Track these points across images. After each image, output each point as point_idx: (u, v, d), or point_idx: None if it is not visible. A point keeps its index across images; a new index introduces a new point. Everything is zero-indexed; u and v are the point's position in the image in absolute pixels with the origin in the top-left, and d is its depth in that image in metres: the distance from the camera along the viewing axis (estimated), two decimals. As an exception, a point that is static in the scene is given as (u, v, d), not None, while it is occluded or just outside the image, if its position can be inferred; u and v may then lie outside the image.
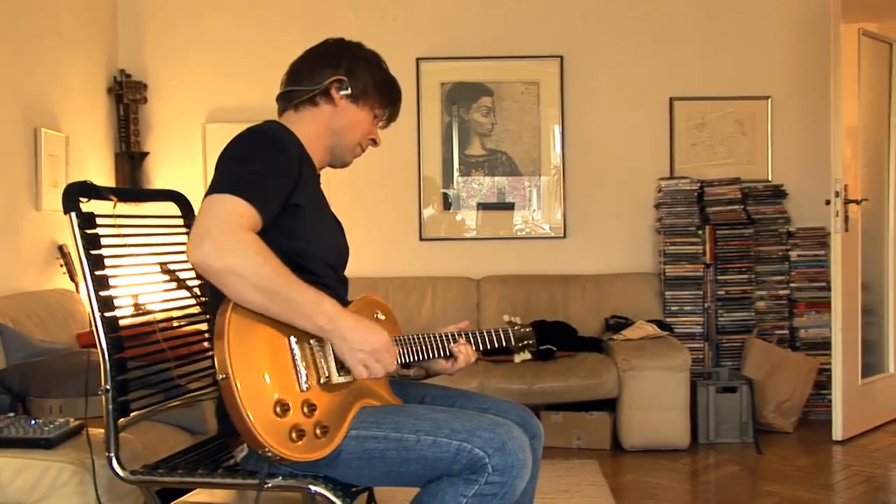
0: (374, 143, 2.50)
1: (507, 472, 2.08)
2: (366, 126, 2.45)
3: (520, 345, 2.62)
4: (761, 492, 4.30)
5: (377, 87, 2.43)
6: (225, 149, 2.23)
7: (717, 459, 4.92)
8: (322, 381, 2.16)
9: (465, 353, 2.46)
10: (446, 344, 2.46)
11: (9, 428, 2.88)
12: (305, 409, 2.10)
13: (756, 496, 4.24)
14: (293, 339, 2.15)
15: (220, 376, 2.05)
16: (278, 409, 2.06)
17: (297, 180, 2.24)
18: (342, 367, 2.19)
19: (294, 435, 2.06)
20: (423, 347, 2.41)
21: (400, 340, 2.36)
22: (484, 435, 2.10)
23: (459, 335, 2.48)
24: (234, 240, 2.04)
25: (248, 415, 2.02)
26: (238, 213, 2.07)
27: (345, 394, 2.21)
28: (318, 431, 2.10)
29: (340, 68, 2.39)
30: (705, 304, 5.78)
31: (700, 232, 5.78)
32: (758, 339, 5.65)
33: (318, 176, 2.49)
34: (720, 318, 5.78)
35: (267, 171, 2.19)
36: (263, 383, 2.08)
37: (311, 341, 2.18)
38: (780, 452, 5.00)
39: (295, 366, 2.14)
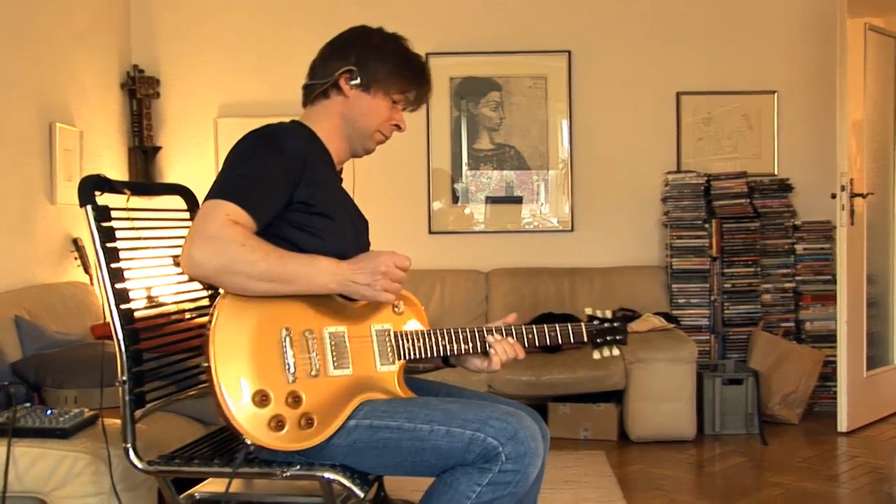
0: (399, 128, 2.49)
1: (520, 460, 2.09)
2: (383, 113, 2.43)
3: (599, 341, 2.44)
4: (767, 483, 4.30)
5: (392, 74, 2.41)
6: (229, 152, 2.27)
7: (723, 451, 4.92)
8: (313, 373, 2.17)
9: (501, 350, 2.37)
10: (480, 341, 2.38)
11: (25, 418, 2.91)
12: (290, 400, 2.12)
13: (761, 487, 4.25)
14: (284, 332, 2.16)
15: (203, 364, 2.10)
16: (257, 399, 2.09)
17: (297, 180, 2.26)
18: (338, 361, 2.20)
19: (273, 424, 2.08)
20: (454, 342, 2.35)
21: (427, 335, 2.34)
22: (497, 424, 2.11)
23: (498, 330, 2.39)
24: (218, 242, 2.08)
25: (225, 404, 2.06)
26: (225, 213, 2.11)
27: (342, 387, 2.21)
28: (302, 422, 2.11)
29: (350, 59, 2.40)
30: (711, 297, 5.78)
31: (706, 225, 5.78)
32: (763, 332, 5.64)
33: (338, 169, 2.50)
34: (726, 311, 5.78)
35: (261, 175, 2.21)
36: (245, 372, 2.10)
37: (306, 334, 2.18)
38: (786, 444, 5.00)
39: (283, 356, 2.15)
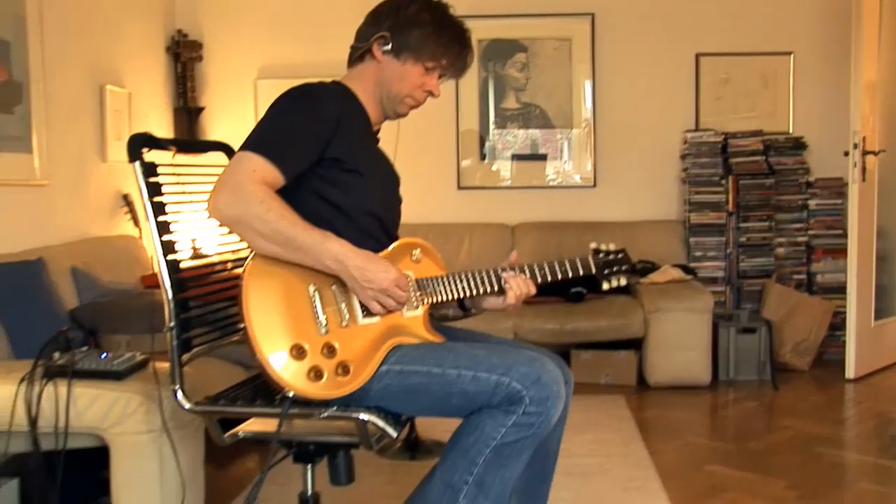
0: (431, 94, 2.44)
1: (542, 403, 2.08)
2: (414, 79, 2.39)
3: (606, 272, 2.45)
4: (777, 426, 4.30)
5: (423, 42, 2.36)
6: (267, 108, 2.25)
7: (736, 396, 4.92)
8: (344, 324, 2.17)
9: (515, 285, 2.35)
10: (495, 279, 2.36)
11: (83, 361, 2.94)
12: (325, 351, 2.12)
13: (772, 430, 4.24)
14: (312, 286, 2.16)
15: (241, 325, 2.10)
16: (295, 352, 2.09)
17: (330, 137, 2.24)
18: (366, 311, 2.20)
19: (312, 375, 2.09)
20: (471, 283, 2.34)
21: (446, 278, 2.33)
22: (521, 370, 2.10)
23: (511, 268, 2.38)
24: (239, 193, 2.08)
25: (265, 359, 2.07)
26: (252, 168, 2.11)
27: (373, 334, 2.21)
28: (338, 371, 2.12)
29: (383, 26, 2.37)
30: (727, 250, 5.75)
31: (723, 182, 5.73)
32: (777, 284, 5.61)
33: (375, 129, 2.48)
34: (741, 264, 5.75)
35: (292, 129, 2.20)
36: (280, 329, 2.11)
37: (333, 287, 2.18)
38: (796, 389, 4.99)
39: (314, 311, 2.15)
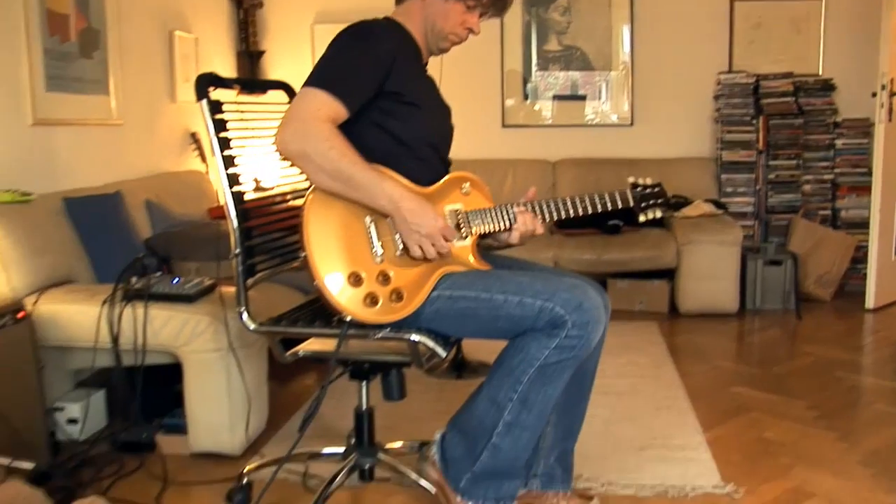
0: (472, 31, 2.41)
1: (584, 327, 2.09)
2: (456, 17, 2.36)
3: (643, 205, 2.43)
4: (799, 352, 4.30)
5: None
6: (327, 46, 2.24)
7: (762, 324, 4.91)
8: (398, 253, 2.19)
9: (521, 222, 2.32)
10: (540, 210, 2.35)
11: (157, 285, 3.01)
12: (380, 279, 2.14)
13: (794, 356, 4.24)
14: (368, 218, 2.18)
15: (301, 254, 2.13)
16: (352, 280, 2.12)
17: (388, 70, 2.23)
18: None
19: (368, 301, 2.12)
20: (493, 221, 2.32)
21: (493, 210, 2.32)
22: (564, 296, 2.11)
23: (524, 204, 2.35)
24: (305, 128, 2.09)
25: (325, 287, 2.10)
26: (317, 105, 2.11)
27: (425, 263, 2.22)
28: (393, 297, 2.14)
29: None
30: (757, 187, 5.69)
31: (754, 122, 5.65)
32: (803, 219, 5.56)
33: (425, 63, 2.47)
34: (770, 199, 5.69)
35: (353, 65, 2.19)
36: (339, 257, 2.13)
37: (389, 219, 2.19)
38: (818, 319, 4.97)
39: (370, 241, 2.17)
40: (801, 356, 4.22)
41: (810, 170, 5.66)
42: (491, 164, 5.86)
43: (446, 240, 2.19)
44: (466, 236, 2.30)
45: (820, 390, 3.68)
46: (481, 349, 4.24)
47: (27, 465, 2.55)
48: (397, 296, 2.16)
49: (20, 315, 2.84)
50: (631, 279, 5.20)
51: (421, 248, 2.17)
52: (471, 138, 5.92)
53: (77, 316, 2.98)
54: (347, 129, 2.16)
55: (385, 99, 2.25)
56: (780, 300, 5.18)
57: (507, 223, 2.33)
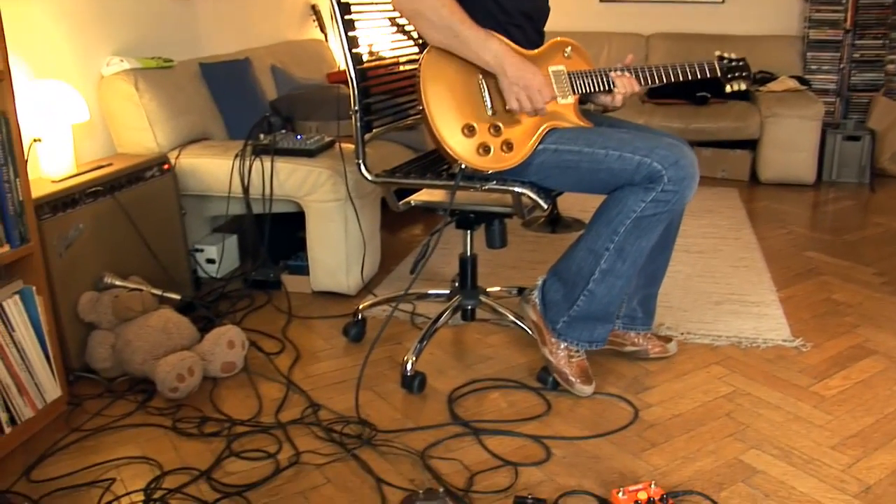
0: None
1: (679, 183, 2.04)
2: None
3: (730, 76, 2.34)
4: (870, 222, 4.11)
5: None
6: None
7: (837, 195, 4.69)
8: (508, 107, 2.12)
9: (621, 84, 2.24)
10: (640, 73, 2.27)
11: (282, 141, 3.02)
12: (492, 130, 2.10)
13: (866, 226, 4.06)
14: (480, 75, 2.13)
15: (419, 107, 2.08)
16: (466, 131, 2.08)
17: None
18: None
19: (481, 150, 2.08)
20: (593, 82, 2.24)
21: (594, 72, 2.24)
22: (661, 152, 2.04)
23: (622, 69, 2.26)
24: None
25: (441, 136, 2.06)
26: None
27: (532, 117, 2.16)
28: (503, 147, 2.10)
29: None
30: (840, 65, 5.34)
31: (843, 0, 5.25)
32: (883, 97, 5.22)
33: None
34: (852, 78, 5.35)
35: None
36: (453, 111, 2.09)
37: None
38: (890, 192, 4.73)
39: (483, 95, 2.12)
40: (871, 226, 4.04)
41: (895, 49, 5.27)
42: (588, 36, 5.64)
43: (544, 96, 2.11)
44: (568, 95, 2.22)
45: (888, 259, 3.54)
46: (574, 206, 4.18)
47: (175, 297, 2.65)
48: (507, 146, 2.11)
49: (166, 167, 2.90)
50: (715, 148, 5.00)
51: (518, 101, 2.10)
52: (570, 13, 5.77)
53: (213, 168, 3.01)
54: None
55: None
56: (856, 174, 4.93)
57: (607, 85, 2.25)
